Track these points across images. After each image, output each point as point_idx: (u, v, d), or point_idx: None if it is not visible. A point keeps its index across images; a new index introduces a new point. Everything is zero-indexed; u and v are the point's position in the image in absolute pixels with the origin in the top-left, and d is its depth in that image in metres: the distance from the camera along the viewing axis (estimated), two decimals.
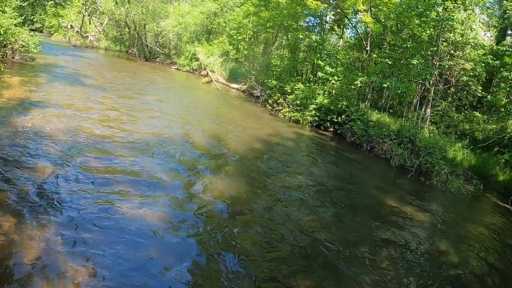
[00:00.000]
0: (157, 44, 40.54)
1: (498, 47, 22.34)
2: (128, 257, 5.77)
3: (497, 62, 21.50)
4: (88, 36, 42.79)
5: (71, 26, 45.29)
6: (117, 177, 8.35)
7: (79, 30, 42.76)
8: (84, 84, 17.30)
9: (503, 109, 21.21)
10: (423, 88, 21.82)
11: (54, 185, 7.36)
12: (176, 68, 36.02)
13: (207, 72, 31.40)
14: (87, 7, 43.84)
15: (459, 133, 20.36)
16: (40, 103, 12.79)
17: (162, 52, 40.06)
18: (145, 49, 39.81)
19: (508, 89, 23.08)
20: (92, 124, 11.60)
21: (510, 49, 21.25)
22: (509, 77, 22.69)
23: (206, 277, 5.91)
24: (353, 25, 27.15)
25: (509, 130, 19.12)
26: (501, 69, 22.11)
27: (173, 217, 7.31)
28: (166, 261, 5.98)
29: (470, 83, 21.80)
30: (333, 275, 6.80)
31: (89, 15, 45.47)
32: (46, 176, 7.66)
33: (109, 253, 5.72)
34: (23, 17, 21.91)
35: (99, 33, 43.33)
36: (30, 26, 33.53)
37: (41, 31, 49.22)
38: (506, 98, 22.74)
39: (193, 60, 35.15)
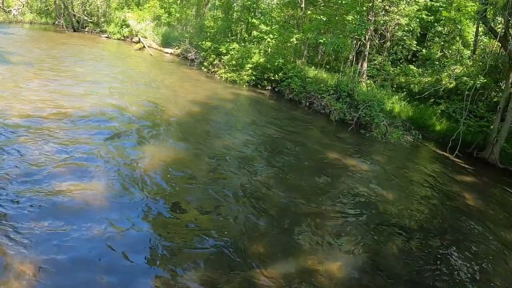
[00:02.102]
0: (85, 12, 38.29)
1: (432, 2, 22.48)
2: (75, 243, 5.31)
3: (431, 17, 21.63)
4: (11, 10, 39.85)
5: None
6: (52, 155, 7.64)
7: (1, 5, 39.76)
8: (9, 61, 15.77)
9: (437, 62, 21.46)
10: (359, 43, 21.67)
11: None
12: (106, 37, 34.24)
13: (139, 39, 30.08)
14: None
15: (395, 86, 20.45)
16: None
17: (91, 21, 37.86)
18: (73, 19, 37.38)
19: (442, 43, 23.41)
20: (21, 103, 10.44)
21: (444, 5, 21.42)
22: (443, 32, 23.03)
23: (155, 250, 5.60)
24: None
25: (443, 82, 19.37)
26: (435, 24, 22.34)
27: (114, 190, 6.86)
28: (109, 235, 5.61)
29: (405, 38, 21.83)
30: (281, 233, 6.60)
31: None
32: None
33: (50, 237, 5.30)
34: None
35: (23, 6, 40.42)
36: None
37: None
38: (440, 52, 23.06)
39: (123, 27, 33.52)
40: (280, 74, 19.51)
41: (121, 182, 7.13)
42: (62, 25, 35.82)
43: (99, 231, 5.56)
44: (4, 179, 6.37)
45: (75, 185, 6.58)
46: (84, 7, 38.47)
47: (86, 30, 37.22)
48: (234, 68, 20.83)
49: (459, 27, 21.67)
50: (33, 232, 5.26)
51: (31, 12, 41.24)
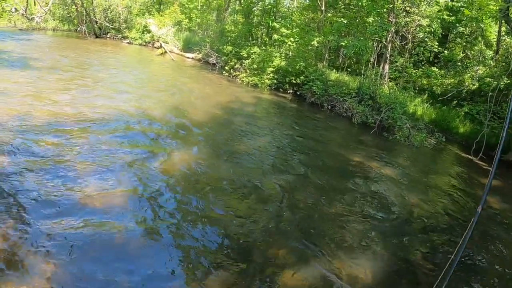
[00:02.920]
0: (107, 19, 38.63)
1: (453, 3, 22.31)
2: (97, 243, 5.42)
3: (453, 18, 21.50)
4: (34, 18, 40.36)
5: (16, 10, 42.39)
6: (77, 158, 7.80)
7: (24, 13, 40.21)
8: (33, 67, 16.07)
9: (459, 63, 21.30)
10: (380, 46, 21.64)
11: (10, 174, 6.72)
12: (128, 43, 34.64)
13: (161, 44, 30.45)
14: None
15: (417, 88, 20.33)
16: None
17: (112, 27, 38.25)
18: (95, 26, 37.89)
19: (464, 43, 23.22)
20: (46, 107, 10.64)
21: (465, 5, 21.26)
22: (465, 32, 22.83)
23: (177, 252, 5.70)
24: None
25: (466, 84, 19.19)
26: (457, 24, 22.18)
27: (137, 193, 6.96)
28: (135, 240, 5.69)
29: (427, 39, 21.66)
30: (303, 236, 6.61)
31: None
32: (1, 165, 6.98)
33: (76, 241, 5.36)
34: None
35: (45, 14, 40.85)
36: None
37: None
38: (462, 53, 22.88)
39: (145, 32, 33.94)
40: (301, 77, 19.57)
41: (145, 186, 7.24)
42: (84, 32, 36.27)
43: (121, 233, 5.68)
44: (28, 181, 6.54)
45: (99, 188, 6.72)
46: (106, 13, 38.89)
47: (108, 36, 37.66)
48: (256, 72, 20.96)
49: (482, 25, 21.48)
50: (56, 232, 5.41)
51: (53, 19, 41.81)
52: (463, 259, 6.80)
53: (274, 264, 5.70)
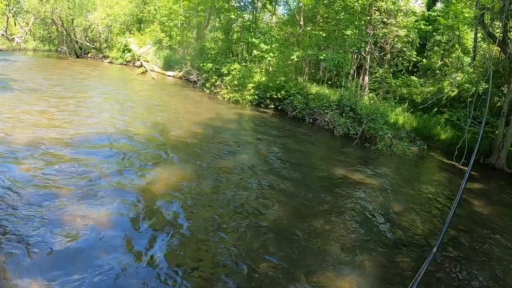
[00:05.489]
0: (87, 39, 38.78)
1: (430, 12, 22.64)
2: (77, 263, 5.36)
3: (430, 27, 21.83)
4: (14, 38, 40.21)
5: None
6: (59, 180, 7.70)
7: (4, 33, 39.98)
8: (13, 89, 16.01)
9: (438, 71, 21.57)
10: (359, 57, 21.83)
11: None
12: (109, 62, 34.70)
13: (141, 63, 30.53)
14: (10, 7, 41.21)
15: (398, 97, 20.54)
16: None
17: (93, 46, 38.43)
18: (75, 46, 38.02)
19: (441, 52, 23.51)
20: (26, 130, 10.57)
21: (441, 14, 21.59)
22: (442, 41, 23.14)
23: (154, 269, 5.60)
24: (285, 0, 26.96)
25: (446, 91, 19.40)
26: (434, 33, 22.49)
27: (118, 213, 6.88)
28: (117, 259, 5.60)
29: (405, 49, 21.91)
30: (291, 251, 6.55)
31: (13, 16, 42.88)
32: None
33: (60, 262, 5.32)
34: None
35: (26, 34, 40.77)
36: None
37: None
38: (440, 61, 23.16)
39: (125, 51, 34.04)
40: (282, 92, 19.62)
41: (126, 205, 7.16)
42: (65, 52, 36.32)
43: (105, 254, 5.60)
44: (9, 203, 6.47)
45: (81, 210, 6.64)
46: (86, 33, 38.99)
47: (89, 56, 37.72)
48: (236, 88, 20.98)
49: (457, 33, 21.75)
50: (39, 256, 5.33)
51: (34, 40, 41.70)
52: (451, 268, 6.79)
53: (258, 281, 5.62)
